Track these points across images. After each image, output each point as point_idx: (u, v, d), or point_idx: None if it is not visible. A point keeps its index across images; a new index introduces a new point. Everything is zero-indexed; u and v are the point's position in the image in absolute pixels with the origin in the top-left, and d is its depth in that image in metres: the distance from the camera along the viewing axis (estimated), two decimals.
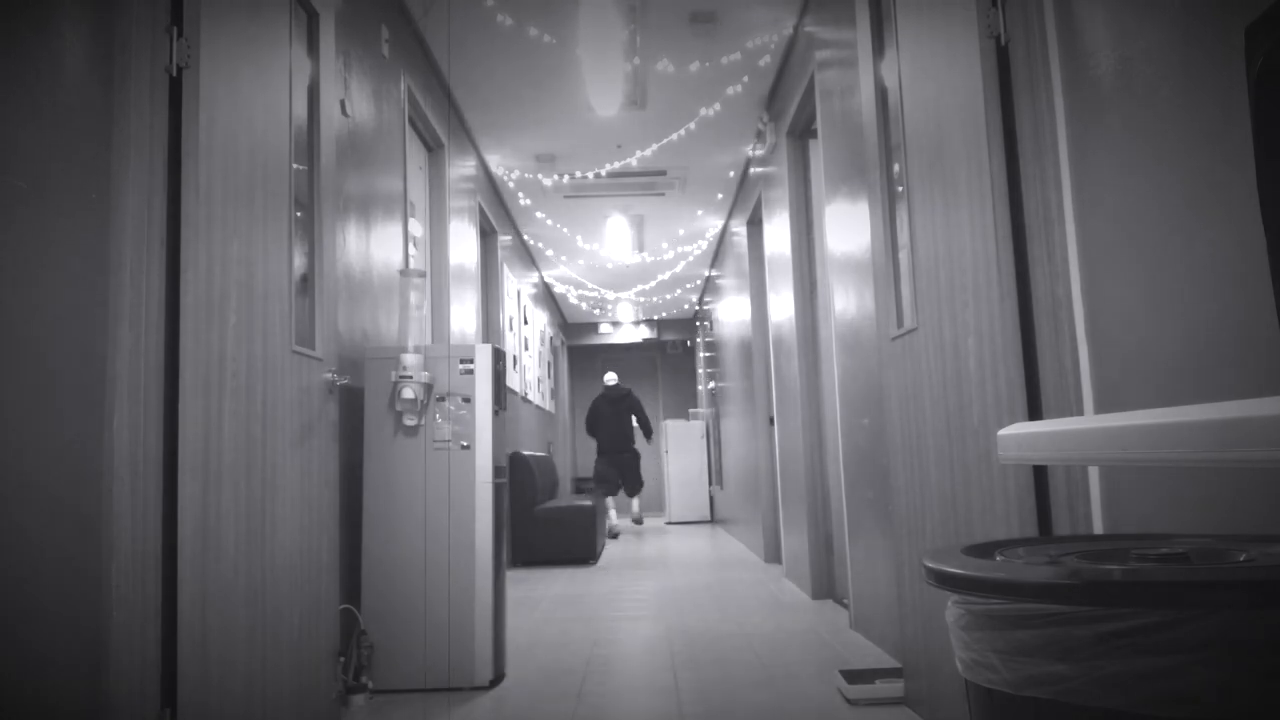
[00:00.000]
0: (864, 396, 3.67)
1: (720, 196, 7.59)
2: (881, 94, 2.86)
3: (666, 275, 10.42)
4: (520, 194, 7.22)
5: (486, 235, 6.98)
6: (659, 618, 4.50)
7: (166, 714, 1.94)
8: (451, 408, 3.29)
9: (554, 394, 11.27)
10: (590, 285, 10.87)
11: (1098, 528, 1.71)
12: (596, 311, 12.72)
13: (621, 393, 10.41)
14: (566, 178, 6.88)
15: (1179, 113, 1.42)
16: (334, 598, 2.82)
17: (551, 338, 11.12)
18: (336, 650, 2.83)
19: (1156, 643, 0.80)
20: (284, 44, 2.61)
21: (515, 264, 8.15)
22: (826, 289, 4.33)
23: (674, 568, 6.71)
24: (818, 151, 4.57)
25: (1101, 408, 1.70)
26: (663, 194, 7.41)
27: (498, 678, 3.26)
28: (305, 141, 2.84)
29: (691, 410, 12.40)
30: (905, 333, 2.60)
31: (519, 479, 7.05)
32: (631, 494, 10.44)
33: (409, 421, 3.25)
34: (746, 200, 6.95)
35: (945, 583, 0.97)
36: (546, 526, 7.07)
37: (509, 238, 7.80)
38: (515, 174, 6.77)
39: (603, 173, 6.80)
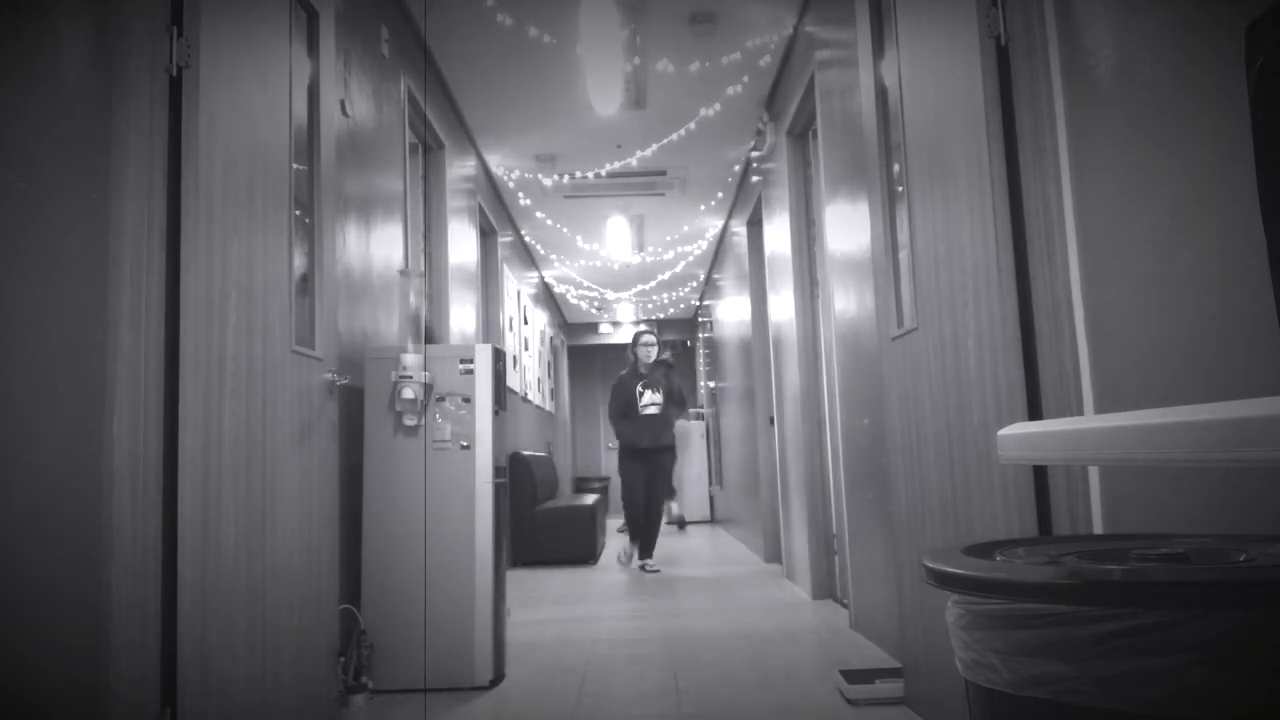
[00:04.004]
0: (864, 396, 3.67)
1: (720, 196, 7.59)
2: (881, 94, 2.86)
3: (666, 275, 10.41)
4: (520, 194, 7.22)
5: (486, 235, 6.98)
6: (659, 617, 4.50)
7: (166, 714, 1.94)
8: (451, 408, 3.28)
9: (554, 394, 11.27)
10: (590, 285, 10.86)
11: (1098, 528, 1.71)
12: (596, 311, 12.72)
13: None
14: (566, 178, 6.87)
15: (1179, 112, 1.42)
16: (334, 598, 2.82)
17: (551, 338, 11.12)
18: (336, 650, 2.83)
19: (1156, 643, 0.80)
20: (284, 44, 2.61)
21: (515, 264, 8.15)
22: (826, 289, 4.33)
23: (674, 568, 6.71)
24: (818, 151, 4.57)
25: (1101, 408, 1.70)
26: (663, 194, 7.41)
27: (498, 678, 3.25)
28: (305, 141, 2.84)
29: (692, 410, 12.39)
30: (905, 333, 2.60)
31: (519, 479, 7.05)
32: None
33: (409, 421, 3.25)
34: (746, 200, 6.95)
35: (945, 583, 0.97)
36: (546, 526, 7.07)
37: (509, 238, 7.80)
38: (515, 174, 6.77)
39: (603, 173, 6.79)
